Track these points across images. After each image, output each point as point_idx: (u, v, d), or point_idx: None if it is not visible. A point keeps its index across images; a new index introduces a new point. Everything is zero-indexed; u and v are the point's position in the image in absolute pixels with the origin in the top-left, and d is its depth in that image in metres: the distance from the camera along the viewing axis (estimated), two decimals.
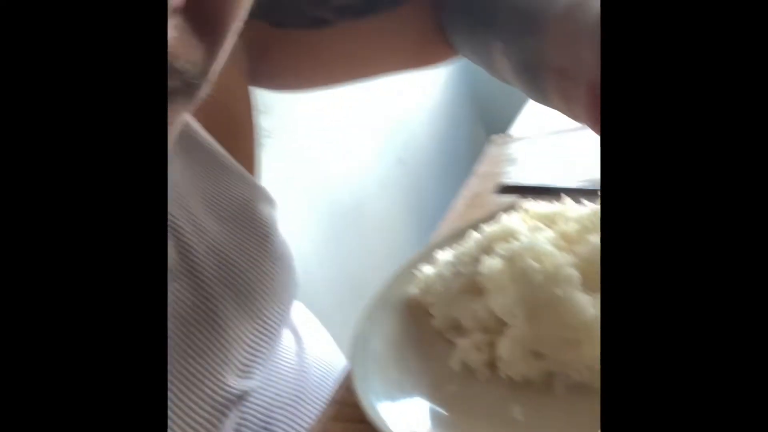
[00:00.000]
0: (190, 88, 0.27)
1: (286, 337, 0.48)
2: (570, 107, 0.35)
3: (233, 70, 0.45)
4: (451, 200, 0.64)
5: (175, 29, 0.25)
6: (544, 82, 0.36)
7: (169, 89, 0.26)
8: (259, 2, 0.41)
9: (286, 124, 1.07)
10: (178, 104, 0.27)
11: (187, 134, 0.42)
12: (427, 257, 0.47)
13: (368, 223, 1.32)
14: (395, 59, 0.50)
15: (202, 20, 0.26)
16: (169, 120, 0.27)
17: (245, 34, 0.43)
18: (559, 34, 0.35)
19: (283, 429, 0.43)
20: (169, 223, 0.40)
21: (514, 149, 0.70)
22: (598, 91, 0.32)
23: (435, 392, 0.38)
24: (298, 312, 0.54)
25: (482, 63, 0.43)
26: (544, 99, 0.37)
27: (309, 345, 0.50)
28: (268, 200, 0.46)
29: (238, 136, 0.46)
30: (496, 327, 0.38)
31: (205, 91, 0.29)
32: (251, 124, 0.48)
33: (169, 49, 0.25)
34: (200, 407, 0.37)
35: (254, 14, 0.43)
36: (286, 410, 0.44)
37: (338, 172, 1.27)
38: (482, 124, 1.89)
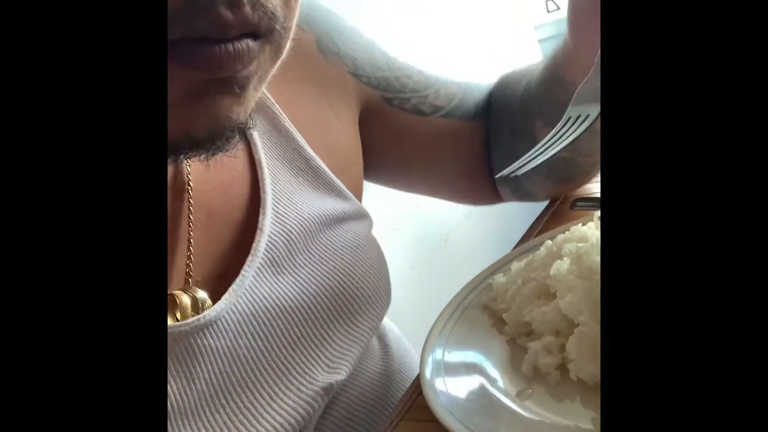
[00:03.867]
0: (273, 31, 0.32)
1: (373, 343, 0.50)
2: None
3: (348, 114, 0.54)
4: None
5: None
6: None
7: (253, 30, 0.31)
8: (379, 80, 0.56)
9: None
10: (264, 49, 0.32)
11: (296, 150, 0.48)
12: (501, 268, 0.48)
13: (454, 252, 1.32)
14: (455, 168, 0.61)
15: None
16: (255, 66, 0.32)
17: (361, 93, 0.55)
18: None
19: (365, 428, 0.44)
20: (281, 221, 0.44)
21: None
22: None
23: (505, 395, 0.38)
24: (385, 324, 0.56)
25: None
26: None
27: (394, 353, 0.52)
28: (365, 216, 0.52)
29: (346, 166, 0.52)
30: (567, 330, 0.38)
31: (283, 47, 0.34)
32: (358, 157, 0.55)
33: None
34: (289, 397, 0.40)
35: (375, 86, 0.56)
36: (369, 410, 0.45)
37: (427, 201, 1.29)
38: None
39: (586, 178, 0.59)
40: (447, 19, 1.37)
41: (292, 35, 0.35)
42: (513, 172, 0.40)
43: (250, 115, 0.34)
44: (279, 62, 0.35)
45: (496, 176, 0.48)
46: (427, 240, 1.26)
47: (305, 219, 0.45)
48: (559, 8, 1.75)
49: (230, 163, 0.44)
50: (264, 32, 0.31)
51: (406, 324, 0.86)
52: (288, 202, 0.45)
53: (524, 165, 0.39)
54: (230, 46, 0.30)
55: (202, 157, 0.34)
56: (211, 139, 0.33)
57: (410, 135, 0.58)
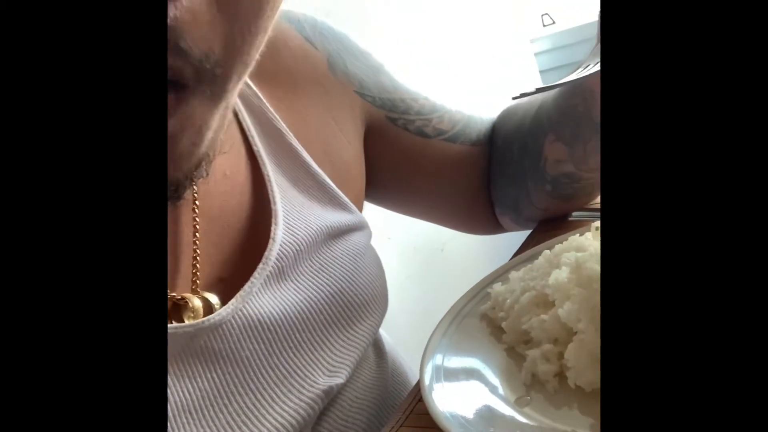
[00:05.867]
0: (202, 78, 0.28)
1: (368, 349, 0.51)
2: None
3: (353, 129, 0.55)
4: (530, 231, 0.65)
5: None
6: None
7: (176, 78, 0.27)
8: (384, 101, 0.58)
9: None
10: (191, 99, 0.29)
11: (301, 166, 0.50)
12: (500, 277, 0.48)
13: (450, 262, 1.32)
14: (456, 193, 0.63)
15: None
16: (178, 119, 0.29)
17: (366, 111, 0.57)
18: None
19: (362, 430, 0.45)
20: (292, 232, 0.45)
21: None
22: None
23: (504, 402, 0.38)
24: (380, 332, 0.57)
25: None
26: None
27: (388, 359, 0.53)
28: (366, 227, 0.53)
29: (349, 178, 0.54)
30: (565, 338, 0.38)
31: (224, 90, 0.30)
32: (362, 171, 0.57)
33: (174, 23, 0.25)
34: (291, 399, 0.41)
35: (380, 105, 0.57)
36: (364, 414, 0.46)
37: None
38: None
39: (588, 198, 0.60)
40: (447, 19, 1.38)
41: (243, 75, 0.32)
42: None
43: (193, 168, 0.31)
44: (222, 107, 0.32)
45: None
46: (423, 250, 1.27)
47: (314, 231, 0.47)
48: (554, 22, 1.77)
49: (233, 175, 0.45)
50: (189, 81, 0.28)
51: (402, 332, 0.86)
52: (298, 215, 0.47)
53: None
54: None
55: None
56: None
57: (412, 156, 0.60)
